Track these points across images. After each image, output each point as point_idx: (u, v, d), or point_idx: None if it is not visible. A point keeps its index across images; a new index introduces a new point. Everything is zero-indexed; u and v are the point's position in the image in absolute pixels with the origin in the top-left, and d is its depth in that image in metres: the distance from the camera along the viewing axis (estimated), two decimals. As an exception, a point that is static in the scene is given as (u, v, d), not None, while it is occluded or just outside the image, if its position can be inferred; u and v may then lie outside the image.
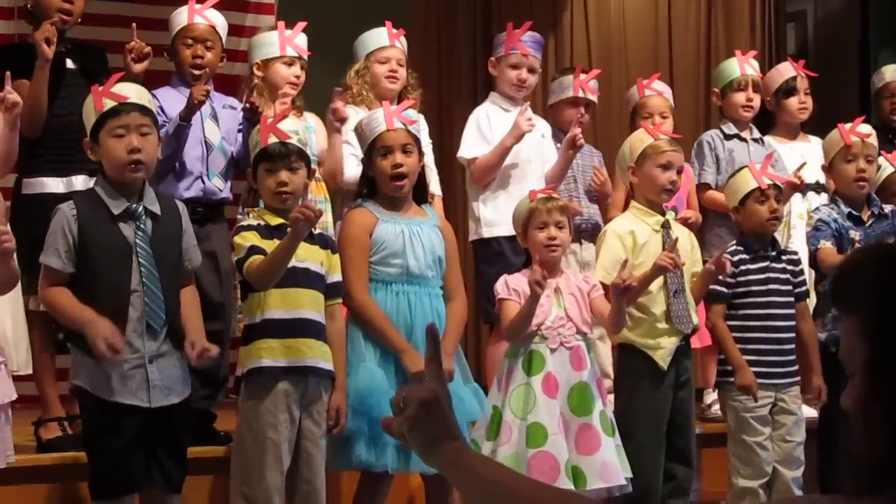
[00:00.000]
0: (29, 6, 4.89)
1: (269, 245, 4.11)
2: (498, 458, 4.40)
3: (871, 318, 1.55)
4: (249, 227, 4.16)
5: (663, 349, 4.79)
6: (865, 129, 5.49)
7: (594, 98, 5.88)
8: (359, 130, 4.58)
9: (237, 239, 4.15)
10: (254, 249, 4.08)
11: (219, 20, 5.10)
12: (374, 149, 4.46)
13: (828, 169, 5.51)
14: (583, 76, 5.83)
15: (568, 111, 5.76)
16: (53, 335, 4.68)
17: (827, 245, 5.18)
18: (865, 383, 1.54)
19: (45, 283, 3.92)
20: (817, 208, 5.52)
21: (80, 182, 4.60)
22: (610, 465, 4.49)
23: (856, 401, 1.56)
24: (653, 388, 4.78)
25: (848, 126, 5.46)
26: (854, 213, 5.34)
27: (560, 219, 4.58)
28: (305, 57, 5.17)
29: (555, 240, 4.56)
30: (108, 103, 3.96)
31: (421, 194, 4.58)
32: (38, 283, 3.96)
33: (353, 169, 5.02)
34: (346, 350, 4.35)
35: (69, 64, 4.80)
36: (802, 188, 5.60)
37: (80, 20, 4.92)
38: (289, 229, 4.02)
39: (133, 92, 4.01)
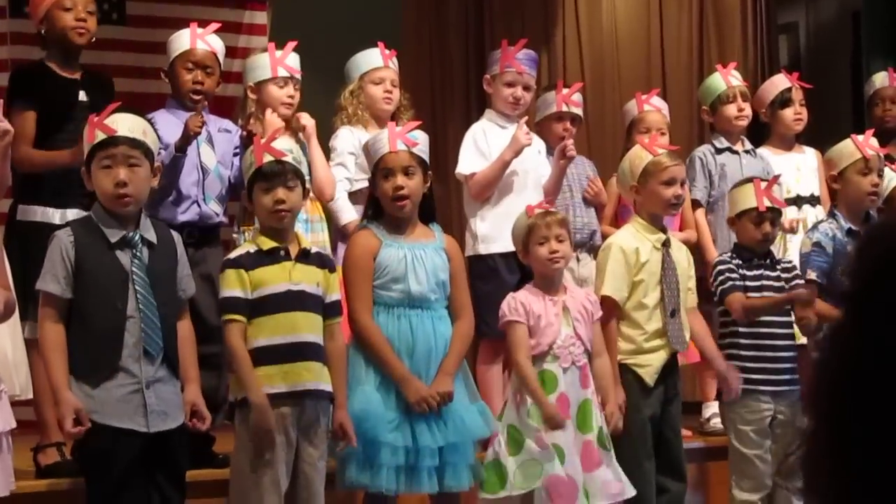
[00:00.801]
0: (42, 31, 4.90)
1: (259, 274, 4.12)
2: (514, 467, 4.41)
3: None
4: (236, 263, 4.16)
5: (651, 366, 4.82)
6: (875, 143, 5.50)
7: (579, 111, 5.88)
8: (366, 151, 4.63)
9: (222, 276, 4.18)
10: (231, 306, 4.11)
11: (219, 45, 5.11)
12: (377, 170, 4.48)
13: (836, 178, 5.47)
14: (565, 91, 5.84)
15: (555, 126, 5.77)
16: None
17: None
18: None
19: (43, 312, 3.93)
20: (815, 226, 5.48)
21: (75, 215, 4.60)
22: (611, 481, 4.52)
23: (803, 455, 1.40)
24: (640, 403, 4.80)
25: (861, 138, 5.45)
26: (853, 228, 5.32)
27: (560, 231, 4.60)
28: (298, 76, 5.18)
29: (557, 252, 4.57)
30: (99, 135, 3.98)
31: (428, 214, 4.58)
32: (37, 310, 3.97)
33: (349, 214, 5.13)
34: (347, 371, 4.35)
35: (82, 96, 4.81)
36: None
37: (94, 41, 4.93)
38: None
39: (125, 125, 4.02)
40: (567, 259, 4.70)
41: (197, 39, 5.02)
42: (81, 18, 4.83)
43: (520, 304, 4.57)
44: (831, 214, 5.46)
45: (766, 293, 5.00)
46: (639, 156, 4.96)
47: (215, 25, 5.14)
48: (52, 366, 3.88)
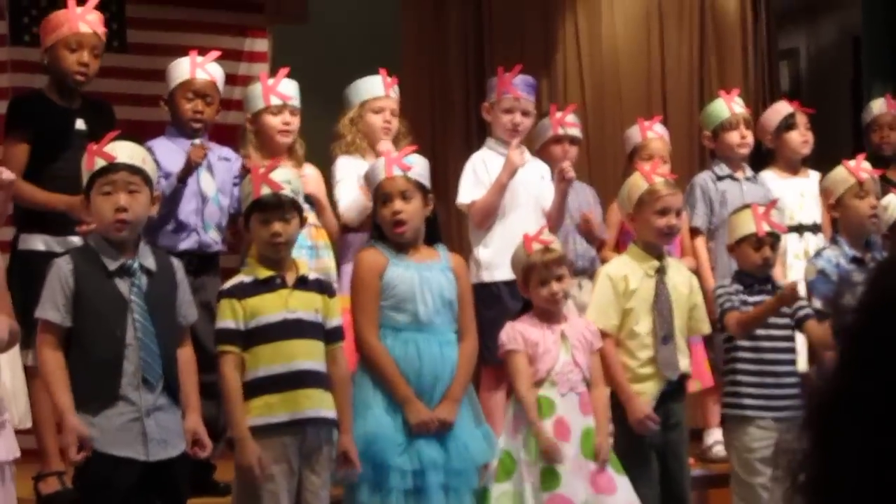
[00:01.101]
0: (45, 62, 4.91)
1: (254, 303, 4.12)
2: (497, 494, 4.41)
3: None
4: (230, 293, 4.17)
5: (645, 395, 4.79)
6: (868, 166, 5.49)
7: (575, 132, 5.90)
8: (367, 179, 4.68)
9: (217, 306, 4.20)
10: (224, 336, 4.12)
11: (218, 74, 5.13)
12: (376, 197, 4.52)
13: (835, 207, 5.46)
14: (559, 114, 5.84)
15: (554, 150, 5.79)
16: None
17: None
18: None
19: (42, 339, 3.92)
20: (819, 253, 5.46)
21: (77, 243, 4.59)
22: (632, 501, 4.51)
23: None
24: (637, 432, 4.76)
25: (853, 163, 5.44)
26: (857, 255, 5.30)
27: (560, 272, 4.61)
28: (292, 103, 5.17)
29: (556, 294, 4.59)
30: (99, 162, 3.98)
31: (433, 236, 4.59)
32: (36, 338, 3.96)
33: (347, 198, 5.13)
34: (355, 394, 4.35)
35: (79, 125, 4.82)
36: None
37: (95, 75, 4.94)
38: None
39: (125, 152, 4.02)
40: (567, 294, 4.73)
41: (197, 69, 5.03)
42: (84, 63, 4.83)
43: (518, 333, 4.58)
44: (834, 241, 5.44)
45: (768, 319, 4.99)
46: (636, 183, 4.96)
47: (215, 54, 5.15)
48: (57, 391, 3.86)
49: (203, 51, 5.14)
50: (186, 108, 4.99)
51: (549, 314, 4.64)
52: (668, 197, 4.89)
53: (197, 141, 4.88)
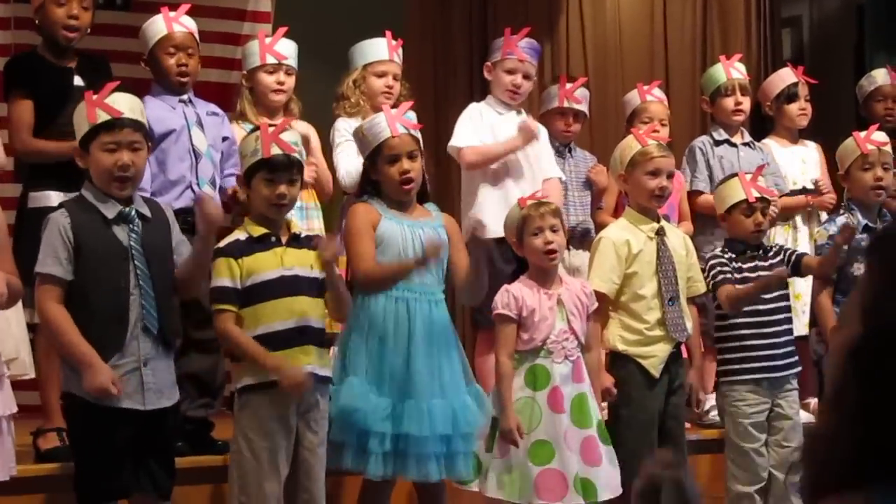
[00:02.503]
0: (37, 21, 4.90)
1: (251, 261, 4.11)
2: (495, 471, 4.42)
3: (873, 295, 1.46)
4: (226, 252, 4.14)
5: (655, 357, 4.79)
6: (881, 136, 5.50)
7: (581, 107, 5.87)
8: (359, 136, 4.58)
9: (213, 265, 4.13)
10: (221, 295, 4.09)
11: (193, 25, 5.10)
12: (378, 155, 4.46)
13: (844, 177, 5.49)
14: (568, 86, 5.83)
15: (557, 121, 5.80)
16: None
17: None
18: (843, 366, 1.44)
19: (45, 294, 3.89)
20: (831, 218, 5.50)
21: None
22: (612, 475, 4.51)
23: (830, 385, 1.47)
24: (645, 395, 4.78)
25: (863, 134, 5.46)
26: (870, 224, 5.31)
27: (554, 222, 4.59)
28: (289, 62, 5.17)
29: (552, 244, 4.56)
30: (102, 115, 3.97)
31: (423, 194, 4.57)
32: (35, 294, 3.95)
33: (347, 163, 5.10)
34: (339, 356, 4.37)
35: (77, 80, 4.80)
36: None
37: (88, 31, 4.92)
38: None
39: (126, 105, 4.01)
40: (562, 251, 4.71)
41: (172, 23, 5.01)
42: (74, 16, 4.80)
43: (513, 297, 4.55)
44: (847, 208, 5.45)
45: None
46: (629, 145, 4.96)
47: (186, 6, 5.12)
48: (73, 339, 3.81)
49: (173, 7, 5.11)
50: (170, 64, 4.97)
51: (545, 276, 4.60)
52: (659, 159, 4.88)
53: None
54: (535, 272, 4.62)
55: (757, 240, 5.08)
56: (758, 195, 5.03)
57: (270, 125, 4.32)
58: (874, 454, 1.38)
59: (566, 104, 5.80)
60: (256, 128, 4.37)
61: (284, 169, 4.18)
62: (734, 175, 5.20)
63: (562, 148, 5.78)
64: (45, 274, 3.88)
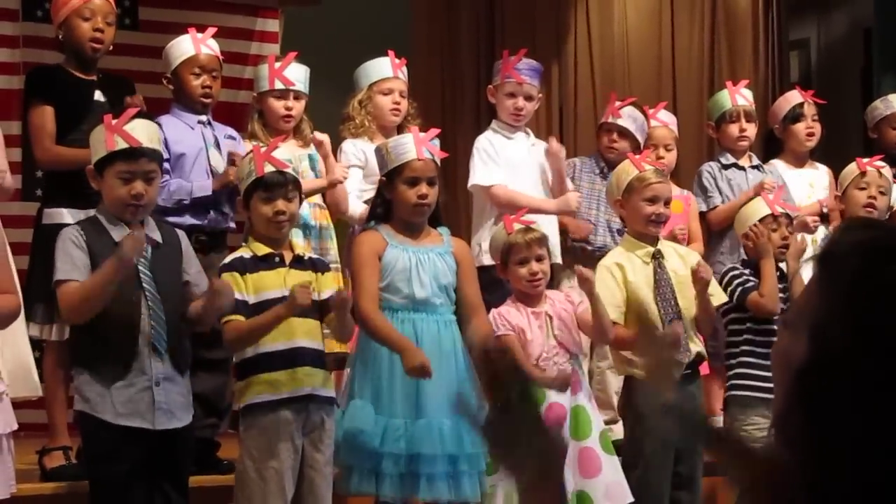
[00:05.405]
0: (60, 37, 4.91)
1: (257, 278, 4.13)
2: (504, 491, 4.41)
3: (820, 315, 1.40)
4: (232, 267, 4.17)
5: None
6: (882, 164, 5.53)
7: (627, 125, 5.84)
8: (382, 152, 4.56)
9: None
10: (232, 307, 4.09)
11: (217, 48, 5.13)
12: (398, 175, 4.44)
13: (840, 197, 5.51)
14: (617, 103, 5.89)
15: (601, 139, 5.92)
16: (67, 364, 4.66)
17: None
18: (789, 385, 1.40)
19: (69, 293, 3.90)
20: (826, 238, 5.52)
21: None
22: (615, 484, 4.50)
23: (776, 407, 1.43)
24: (658, 417, 4.76)
25: (866, 160, 5.49)
26: None
27: (540, 252, 4.60)
28: (299, 88, 5.17)
29: (536, 274, 4.57)
30: (120, 142, 3.98)
31: (436, 218, 4.57)
32: (59, 304, 3.96)
33: (356, 206, 5.08)
34: (351, 376, 4.36)
35: (98, 96, 4.81)
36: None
37: (111, 48, 4.93)
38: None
39: (145, 134, 4.02)
40: (546, 278, 4.69)
41: (200, 45, 5.04)
42: (99, 29, 4.82)
43: (504, 320, 4.58)
44: None
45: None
46: (626, 170, 4.95)
47: (213, 30, 5.15)
48: (90, 280, 3.86)
49: (202, 29, 5.13)
50: (195, 85, 4.99)
51: (529, 297, 4.62)
52: (657, 185, 4.87)
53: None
54: (520, 295, 4.64)
55: (783, 256, 5.05)
56: (782, 210, 5.03)
57: (262, 146, 4.35)
58: (819, 478, 1.36)
59: (610, 119, 5.85)
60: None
61: (279, 185, 4.21)
62: (756, 195, 5.23)
63: (607, 170, 5.72)
64: (65, 280, 3.91)
